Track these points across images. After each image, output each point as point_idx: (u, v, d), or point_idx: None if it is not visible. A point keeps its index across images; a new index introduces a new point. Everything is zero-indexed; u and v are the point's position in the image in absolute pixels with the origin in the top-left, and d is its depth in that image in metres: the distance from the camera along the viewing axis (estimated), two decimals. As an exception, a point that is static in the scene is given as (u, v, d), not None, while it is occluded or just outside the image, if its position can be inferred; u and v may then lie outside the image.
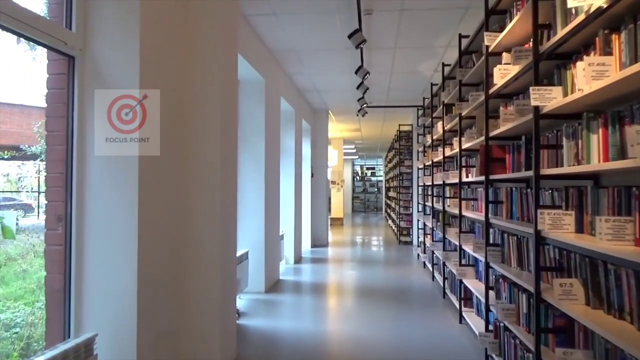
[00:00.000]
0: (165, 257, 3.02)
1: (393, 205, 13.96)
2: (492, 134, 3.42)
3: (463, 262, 4.55)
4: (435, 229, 6.31)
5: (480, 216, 3.96)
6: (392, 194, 14.78)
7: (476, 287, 4.08)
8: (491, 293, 3.50)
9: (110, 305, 2.61)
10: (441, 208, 5.74)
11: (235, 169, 3.77)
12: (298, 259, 8.28)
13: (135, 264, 2.61)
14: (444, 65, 5.62)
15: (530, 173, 2.57)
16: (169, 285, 3.05)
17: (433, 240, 6.50)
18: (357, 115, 9.87)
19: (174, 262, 3.12)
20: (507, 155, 3.35)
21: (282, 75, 6.88)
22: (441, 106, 5.70)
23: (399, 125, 11.03)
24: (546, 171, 2.46)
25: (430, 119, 6.69)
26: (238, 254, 5.15)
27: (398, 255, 9.18)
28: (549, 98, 2.38)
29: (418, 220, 8.37)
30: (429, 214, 7.30)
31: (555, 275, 2.50)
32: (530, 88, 2.42)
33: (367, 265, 8.08)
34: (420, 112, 8.57)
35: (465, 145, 4.35)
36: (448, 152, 5.45)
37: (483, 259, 3.64)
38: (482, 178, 3.63)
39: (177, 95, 3.14)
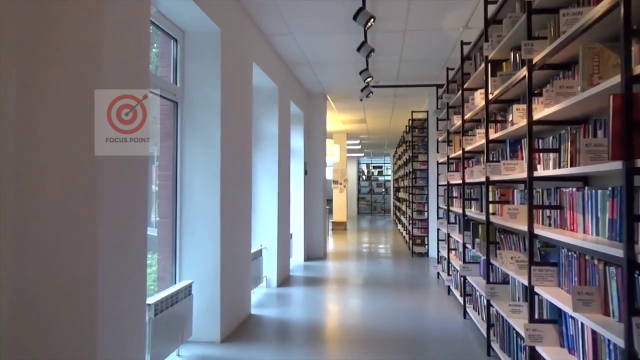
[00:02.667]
0: None
1: (403, 208, 12.09)
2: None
3: (528, 310, 2.69)
4: (469, 246, 4.44)
5: (576, 240, 2.11)
6: (402, 194, 12.90)
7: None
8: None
9: None
10: (482, 218, 3.89)
11: (90, 167, 1.96)
12: (284, 280, 6.45)
13: None
14: (487, 2, 3.75)
15: None
16: None
17: (465, 261, 4.64)
18: (361, 100, 8.04)
19: None
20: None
21: (255, 31, 5.04)
22: (482, 65, 3.83)
23: (412, 112, 9.16)
24: None
25: (460, 92, 4.82)
26: (169, 291, 3.33)
27: (412, 274, 7.31)
28: None
29: (438, 230, 6.53)
30: (455, 223, 5.45)
31: None
32: None
33: (374, 288, 6.22)
34: (441, 91, 6.69)
35: (542, 114, 2.49)
36: (495, 134, 3.58)
37: (613, 337, 1.78)
38: (607, 166, 1.78)
39: None
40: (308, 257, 8.36)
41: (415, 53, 5.90)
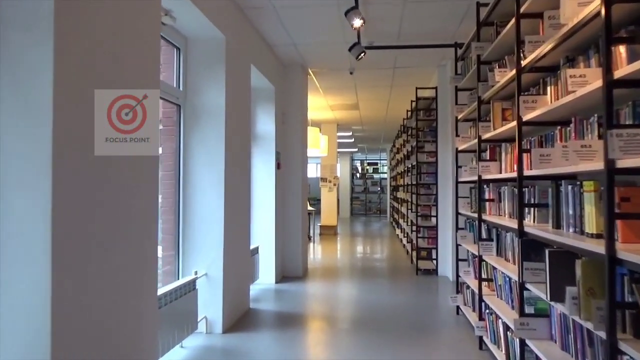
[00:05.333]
0: None
1: (403, 210, 10.15)
2: None
3: None
4: (535, 289, 2.47)
5: None
6: (401, 194, 10.96)
7: None
8: None
9: None
10: (569, 242, 1.95)
11: None
12: (237, 320, 4.48)
13: None
14: None
15: None
16: None
17: (522, 312, 2.70)
18: (351, 72, 6.17)
19: None
20: None
21: None
22: None
23: (416, 89, 7.19)
24: None
25: (514, 21, 2.87)
26: None
27: (420, 305, 5.31)
28: None
29: (458, 246, 4.61)
30: (490, 240, 3.52)
31: None
32: None
33: (368, 336, 4.25)
34: (460, 51, 4.71)
35: None
36: (631, 68, 1.64)
37: None
38: None
39: None
40: (283, 277, 6.41)
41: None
